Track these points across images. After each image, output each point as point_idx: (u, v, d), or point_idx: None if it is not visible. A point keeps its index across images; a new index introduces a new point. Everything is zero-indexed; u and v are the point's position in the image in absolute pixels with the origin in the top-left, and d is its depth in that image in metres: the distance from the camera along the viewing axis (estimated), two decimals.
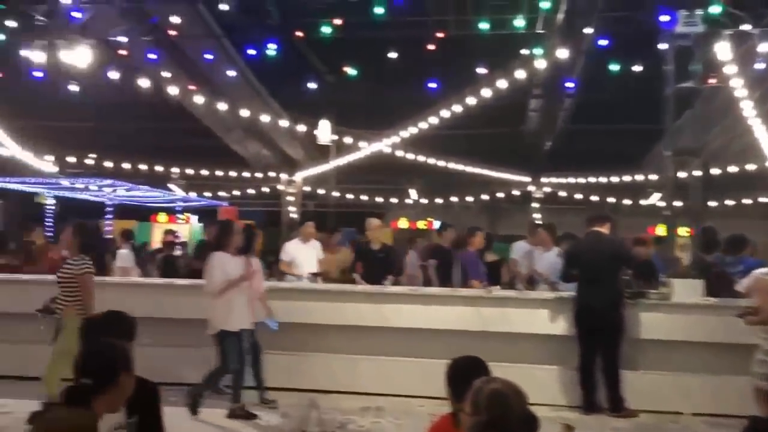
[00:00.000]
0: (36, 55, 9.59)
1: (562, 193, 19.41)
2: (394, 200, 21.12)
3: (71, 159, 18.15)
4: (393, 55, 9.75)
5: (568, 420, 6.34)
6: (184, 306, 7.05)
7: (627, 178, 18.50)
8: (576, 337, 6.72)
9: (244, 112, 13.14)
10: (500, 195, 20.04)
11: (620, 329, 6.59)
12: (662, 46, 8.81)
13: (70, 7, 9.01)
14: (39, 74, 9.92)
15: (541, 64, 9.49)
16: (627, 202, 19.02)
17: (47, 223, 17.54)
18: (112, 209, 18.46)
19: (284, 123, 14.53)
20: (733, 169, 16.17)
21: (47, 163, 17.60)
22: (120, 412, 2.78)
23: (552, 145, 17.14)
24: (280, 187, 19.87)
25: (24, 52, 9.70)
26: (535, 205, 19.17)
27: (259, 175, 19.69)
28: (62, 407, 2.45)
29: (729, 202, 17.88)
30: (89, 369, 2.57)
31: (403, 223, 20.82)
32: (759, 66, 11.10)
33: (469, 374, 3.13)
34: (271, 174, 19.63)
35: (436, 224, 15.34)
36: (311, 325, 7.12)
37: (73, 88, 10.86)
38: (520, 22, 8.38)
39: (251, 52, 9.56)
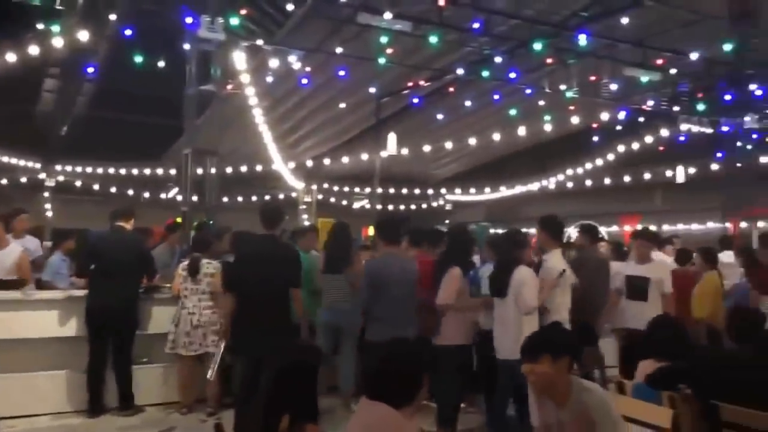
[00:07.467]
0: None
1: (79, 183, 18.30)
2: None
3: None
4: None
5: (73, 426, 5.97)
6: None
7: (147, 171, 18.51)
8: (87, 338, 6.31)
9: None
10: (4, 182, 17.74)
11: (135, 326, 6.48)
12: (186, 46, 8.98)
13: None
14: None
15: (58, 42, 8.60)
16: (147, 195, 18.94)
17: None
18: None
19: None
20: (243, 168, 17.76)
21: None
22: None
23: (69, 130, 15.92)
24: None
25: None
26: (46, 194, 17.60)
27: None
28: None
29: (240, 198, 19.46)
30: None
31: None
32: (269, 79, 12.36)
33: None
34: None
35: None
36: None
37: None
38: None
39: None
